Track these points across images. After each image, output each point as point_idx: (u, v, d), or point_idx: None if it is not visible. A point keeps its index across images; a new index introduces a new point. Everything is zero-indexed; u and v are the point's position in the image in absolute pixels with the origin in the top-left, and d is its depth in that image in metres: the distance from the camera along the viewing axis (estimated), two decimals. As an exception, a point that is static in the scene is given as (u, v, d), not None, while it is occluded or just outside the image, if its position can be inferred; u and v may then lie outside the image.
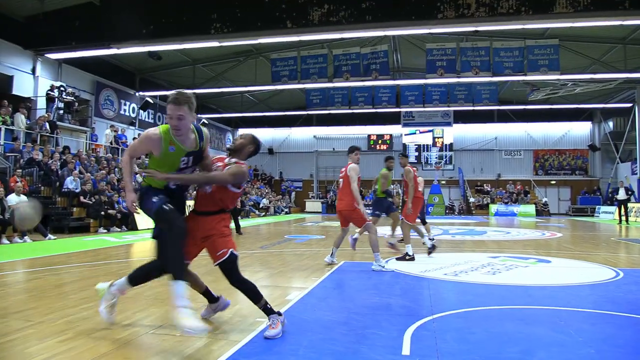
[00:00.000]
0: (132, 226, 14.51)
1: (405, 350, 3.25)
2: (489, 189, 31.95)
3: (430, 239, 8.81)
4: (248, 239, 12.07)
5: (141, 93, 24.26)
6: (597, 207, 28.54)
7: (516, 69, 19.81)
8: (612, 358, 3.23)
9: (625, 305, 4.74)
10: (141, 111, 24.56)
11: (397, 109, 27.65)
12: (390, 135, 34.03)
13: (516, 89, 26.45)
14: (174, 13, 15.71)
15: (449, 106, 26.19)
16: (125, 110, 23.64)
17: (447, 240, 12.08)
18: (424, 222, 10.25)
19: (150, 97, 24.49)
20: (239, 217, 13.44)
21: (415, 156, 33.42)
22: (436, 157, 33.07)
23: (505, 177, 32.39)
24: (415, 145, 33.53)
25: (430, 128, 32.92)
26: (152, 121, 25.70)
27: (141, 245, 10.56)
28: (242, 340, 3.44)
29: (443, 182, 32.05)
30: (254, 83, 24.08)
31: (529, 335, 3.75)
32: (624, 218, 20.35)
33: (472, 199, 31.30)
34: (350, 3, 14.43)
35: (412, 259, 7.72)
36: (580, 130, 32.36)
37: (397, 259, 7.85)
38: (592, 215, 27.96)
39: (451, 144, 32.70)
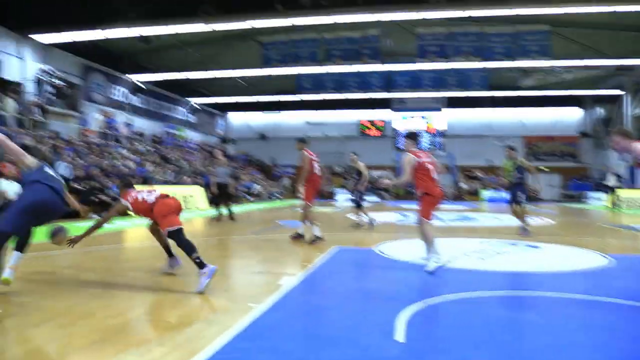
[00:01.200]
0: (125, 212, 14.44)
1: (399, 335, 3.27)
2: (480, 176, 32.12)
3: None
4: (240, 225, 12.07)
5: (130, 76, 23.97)
6: (586, 192, 28.82)
7: (507, 54, 19.80)
8: (603, 344, 3.28)
9: (617, 291, 4.78)
10: (132, 96, 24.30)
11: (388, 95, 27.58)
12: (383, 120, 34.00)
13: (507, 75, 26.45)
14: (162, -5, 15.52)
15: (440, 91, 26.18)
16: (115, 95, 23.37)
17: (438, 226, 12.13)
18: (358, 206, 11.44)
19: (141, 81, 24.24)
20: (231, 203, 13.45)
21: (407, 142, 33.45)
22: (428, 143, 33.11)
23: (497, 163, 32.54)
24: (407, 131, 33.54)
25: (423, 114, 32.93)
26: (143, 106, 25.46)
27: (134, 231, 10.52)
28: (235, 325, 3.45)
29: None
30: (244, 67, 23.88)
31: (521, 321, 3.81)
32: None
33: (463, 185, 31.45)
34: (342, -14, 14.33)
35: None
36: (571, 116, 32.51)
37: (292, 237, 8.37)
38: (582, 202, 28.22)
39: (444, 131, 32.75)
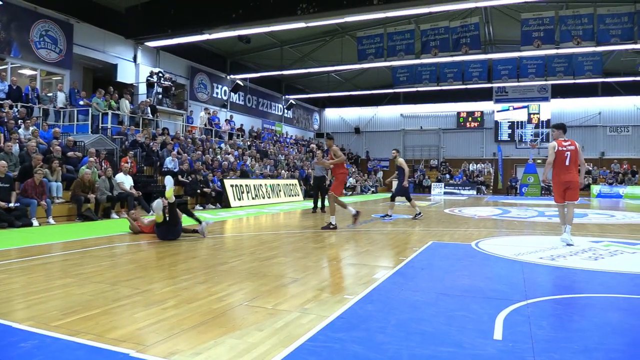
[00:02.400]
0: (225, 204, 15.22)
1: (497, 334, 3.14)
2: (590, 169, 29.76)
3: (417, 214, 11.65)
4: (338, 218, 12.20)
5: (232, 76, 25.19)
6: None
7: (625, 37, 18.09)
8: None
9: None
10: (232, 94, 25.52)
11: (489, 85, 26.39)
12: (482, 112, 32.67)
13: (624, 59, 24.16)
14: (261, -4, 16.06)
15: (546, 80, 24.57)
16: (217, 93, 24.68)
17: (542, 222, 11.45)
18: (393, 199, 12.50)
19: (241, 79, 25.38)
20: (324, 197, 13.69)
21: (509, 134, 31.85)
22: (531, 135, 31.28)
23: (609, 155, 29.95)
24: (509, 122, 31.94)
25: (526, 104, 31.14)
26: (242, 103, 26.61)
27: (233, 222, 11.05)
28: (330, 315, 3.51)
29: (539, 160, 30.28)
30: (340, 62, 24.09)
31: (636, 327, 3.48)
32: None
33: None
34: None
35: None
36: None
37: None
38: None
39: (548, 120, 30.68)
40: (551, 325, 3.43)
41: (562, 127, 7.49)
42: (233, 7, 16.67)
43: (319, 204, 14.00)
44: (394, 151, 12.53)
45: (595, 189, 27.50)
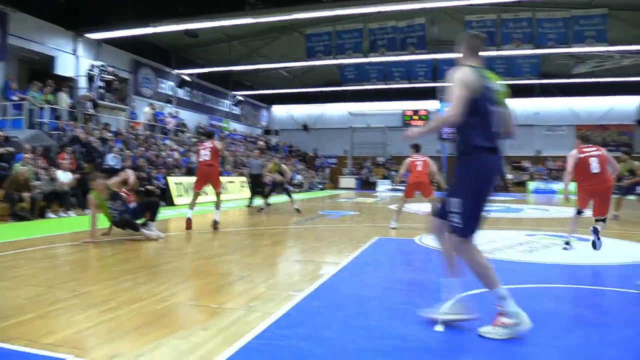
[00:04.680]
0: (169, 202, 14.86)
1: (439, 326, 3.24)
2: (527, 166, 31.14)
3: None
4: (282, 215, 12.19)
5: (178, 71, 24.58)
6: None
7: (560, 41, 19.03)
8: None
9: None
10: (178, 89, 24.92)
11: (434, 84, 27.07)
12: (427, 110, 33.45)
13: (559, 62, 25.40)
14: (208, -10, 15.77)
15: (489, 81, 25.44)
16: (162, 89, 24.01)
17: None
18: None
19: (187, 74, 24.81)
20: (269, 194, 13.77)
21: (452, 131, 32.79)
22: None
23: (545, 153, 31.46)
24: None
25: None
26: (188, 99, 26.05)
27: (178, 220, 10.81)
28: (276, 312, 3.50)
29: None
30: (289, 59, 24.01)
31: (568, 314, 3.69)
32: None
33: (509, 176, 30.58)
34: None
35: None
36: (626, 104, 30.90)
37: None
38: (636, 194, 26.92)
39: (489, 120, 31.75)
40: (491, 315, 3.57)
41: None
42: (180, 0, 16.29)
43: (262, 201, 14.09)
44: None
45: (531, 185, 28.84)
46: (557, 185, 28.12)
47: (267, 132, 35.45)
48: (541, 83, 28.24)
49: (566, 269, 5.48)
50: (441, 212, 3.33)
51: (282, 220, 10.79)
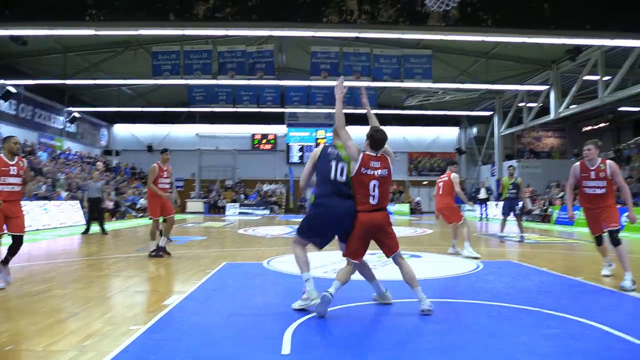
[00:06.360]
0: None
1: (285, 348, 3.28)
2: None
3: None
4: (123, 242, 11.41)
5: (2, 81, 21.75)
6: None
7: (394, 76, 20.95)
8: (471, 342, 3.54)
9: (484, 294, 5.25)
10: (2, 101, 22.04)
11: (282, 109, 27.84)
12: (275, 135, 34.20)
13: (394, 95, 28.02)
14: (42, -6, 14.33)
15: (331, 108, 26.95)
16: (-21, 100, 21.05)
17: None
18: None
19: (13, 85, 22.04)
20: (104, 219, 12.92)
21: (299, 156, 33.89)
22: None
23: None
24: (300, 145, 34.06)
25: (314, 129, 33.65)
26: (14, 113, 23.21)
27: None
28: (113, 351, 3.23)
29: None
30: (133, 76, 22.72)
31: (403, 326, 4.02)
32: (484, 214, 22.60)
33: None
34: (237, 0, 14.24)
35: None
36: (449, 135, 35.29)
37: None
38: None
39: (333, 146, 33.61)
40: (334, 333, 3.73)
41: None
42: (8, 1, 14.50)
43: (98, 228, 13.20)
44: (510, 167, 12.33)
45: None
46: (393, 207, 30.59)
47: (107, 152, 33.06)
48: (378, 113, 30.63)
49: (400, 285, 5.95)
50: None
51: (123, 248, 10.08)
